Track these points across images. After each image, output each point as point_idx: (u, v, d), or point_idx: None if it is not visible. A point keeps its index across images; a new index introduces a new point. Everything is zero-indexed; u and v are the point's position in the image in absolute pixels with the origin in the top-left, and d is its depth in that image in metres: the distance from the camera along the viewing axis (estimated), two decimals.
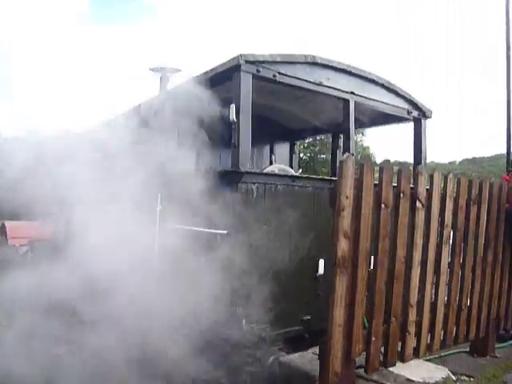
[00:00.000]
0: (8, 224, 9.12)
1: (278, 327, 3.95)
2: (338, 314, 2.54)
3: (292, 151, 7.45)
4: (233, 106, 3.71)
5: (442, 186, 3.02)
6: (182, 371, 3.50)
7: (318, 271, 4.22)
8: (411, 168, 2.77)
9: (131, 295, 3.82)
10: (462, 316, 3.31)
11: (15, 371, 3.43)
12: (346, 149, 4.64)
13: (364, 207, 2.51)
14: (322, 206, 4.27)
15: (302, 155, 22.99)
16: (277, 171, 4.93)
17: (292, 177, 4.03)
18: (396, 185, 2.77)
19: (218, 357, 3.59)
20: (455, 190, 3.14)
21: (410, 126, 5.72)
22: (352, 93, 4.63)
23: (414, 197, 2.81)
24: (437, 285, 3.01)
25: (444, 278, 3.04)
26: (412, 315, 2.85)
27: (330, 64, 4.39)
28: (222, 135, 6.51)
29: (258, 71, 3.83)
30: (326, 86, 4.40)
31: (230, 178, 3.76)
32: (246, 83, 3.76)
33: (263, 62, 3.87)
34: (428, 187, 3.01)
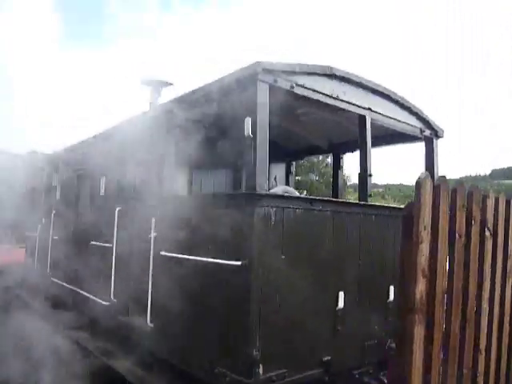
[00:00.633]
0: None
1: (297, 371, 3.46)
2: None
3: (288, 171, 7.06)
4: (248, 120, 3.28)
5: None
6: None
7: (337, 305, 3.77)
8: (480, 191, 2.39)
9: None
10: None
11: None
12: (363, 168, 4.27)
13: (441, 239, 2.10)
14: (339, 232, 3.86)
15: None
16: (280, 193, 4.51)
17: (310, 200, 3.60)
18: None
19: None
20: None
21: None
22: (369, 109, 4.29)
23: (482, 224, 2.43)
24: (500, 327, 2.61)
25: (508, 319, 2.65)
26: (481, 364, 2.44)
27: (348, 77, 4.05)
28: (214, 154, 6.14)
29: (275, 81, 3.43)
30: (343, 101, 4.05)
31: (245, 201, 3.30)
32: (263, 94, 3.34)
33: (281, 71, 3.47)
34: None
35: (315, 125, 5.77)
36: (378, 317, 4.23)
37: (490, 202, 2.50)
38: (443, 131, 5.18)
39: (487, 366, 2.52)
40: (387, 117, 4.50)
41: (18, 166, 7.38)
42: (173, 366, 4.01)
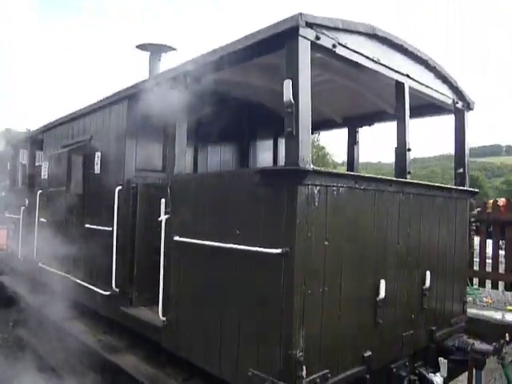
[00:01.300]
0: None
1: (339, 370, 3.08)
2: None
3: None
4: (288, 83, 2.78)
5: None
6: None
7: (379, 294, 3.38)
8: None
9: None
10: None
11: None
12: (401, 142, 3.83)
13: None
14: (381, 213, 3.45)
15: None
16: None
17: (354, 176, 3.15)
18: None
19: None
20: None
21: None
22: (408, 76, 3.83)
23: None
24: None
25: None
26: None
27: (390, 38, 3.57)
28: (221, 127, 5.62)
29: (317, 38, 2.92)
30: (383, 65, 3.57)
31: (285, 178, 2.82)
32: (305, 52, 2.84)
33: (323, 26, 2.96)
34: None
35: (329, 96, 5.29)
36: (415, 305, 3.88)
37: None
38: (474, 103, 4.78)
39: None
40: (424, 85, 4.06)
41: None
42: (191, 365, 3.58)
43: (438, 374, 3.98)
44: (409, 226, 3.75)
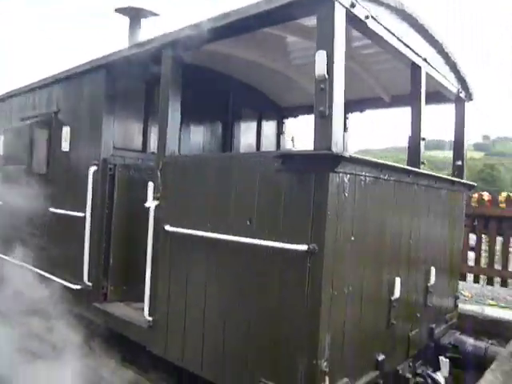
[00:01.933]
0: None
1: (356, 377, 2.81)
2: None
3: (280, 131, 6.22)
4: (322, 54, 2.40)
5: None
6: None
7: (393, 293, 3.13)
8: None
9: None
10: None
11: None
12: (416, 130, 3.57)
13: None
14: (399, 206, 3.19)
15: None
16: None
17: (380, 165, 2.83)
18: None
19: None
20: None
21: None
22: (425, 60, 3.57)
23: None
24: None
25: None
26: None
27: (415, 16, 3.27)
28: (205, 105, 5.14)
29: (352, 5, 2.56)
30: (405, 45, 3.28)
31: (314, 164, 2.46)
32: (341, 19, 2.47)
33: None
34: None
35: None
36: (420, 303, 3.70)
37: None
38: (473, 94, 4.63)
39: None
40: (436, 70, 3.82)
41: None
42: (178, 369, 3.19)
43: (438, 373, 3.85)
44: (419, 220, 3.54)
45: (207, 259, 3.03)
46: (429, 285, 3.76)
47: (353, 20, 2.64)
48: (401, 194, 3.18)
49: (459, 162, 4.53)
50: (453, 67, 4.13)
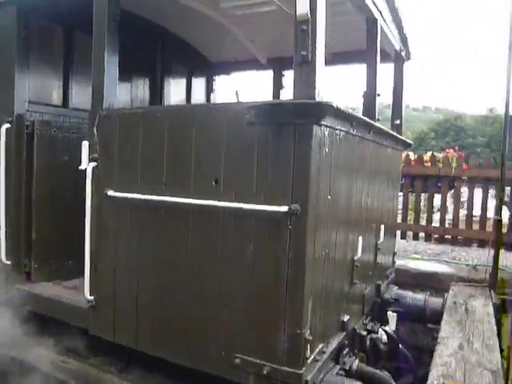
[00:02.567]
0: None
1: (328, 341, 2.73)
2: None
3: (209, 89, 5.81)
4: None
5: None
6: None
7: (356, 253, 3.07)
8: None
9: None
10: None
11: None
12: (371, 86, 3.46)
13: None
14: (360, 165, 3.10)
15: None
16: None
17: (352, 117, 2.64)
18: None
19: None
20: None
21: None
22: (381, 13, 3.43)
23: None
24: None
25: None
26: None
27: None
28: (132, 58, 4.55)
29: None
30: None
31: (295, 115, 2.19)
32: None
33: None
34: None
35: (256, 29, 4.64)
36: (372, 261, 3.72)
37: None
38: (412, 53, 4.67)
39: None
40: (387, 26, 3.72)
41: None
42: (126, 351, 2.86)
43: (386, 327, 3.96)
44: (374, 178, 3.50)
45: (163, 227, 2.67)
46: (379, 242, 3.79)
47: None
48: (362, 151, 3.08)
49: (397, 121, 4.58)
50: (398, 25, 4.08)
